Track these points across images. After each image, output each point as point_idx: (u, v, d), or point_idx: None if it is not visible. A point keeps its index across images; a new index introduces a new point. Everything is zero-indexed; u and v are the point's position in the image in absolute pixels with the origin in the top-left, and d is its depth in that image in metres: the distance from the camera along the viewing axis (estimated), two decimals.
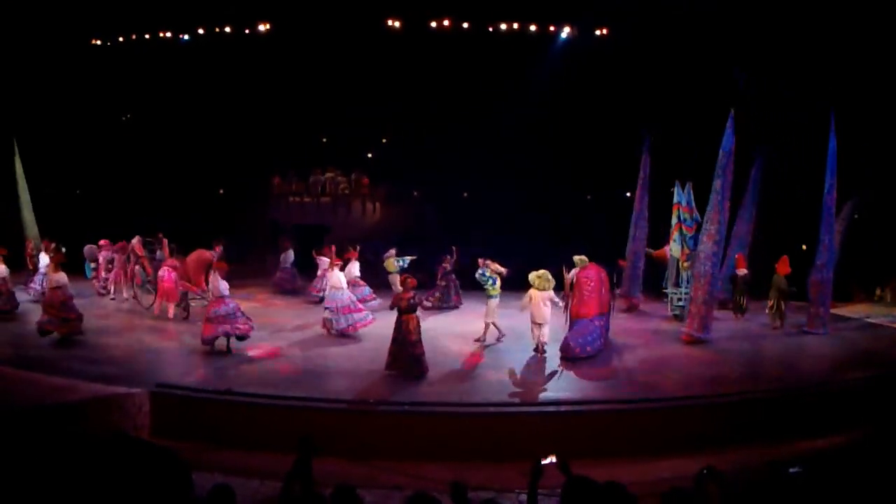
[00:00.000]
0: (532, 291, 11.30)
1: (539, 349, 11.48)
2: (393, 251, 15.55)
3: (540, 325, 11.33)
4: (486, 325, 12.27)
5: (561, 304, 11.77)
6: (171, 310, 13.92)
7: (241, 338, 11.41)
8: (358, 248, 15.46)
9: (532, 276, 11.39)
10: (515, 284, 12.45)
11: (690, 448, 8.04)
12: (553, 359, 11.31)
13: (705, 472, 3.95)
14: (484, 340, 12.21)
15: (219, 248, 16.65)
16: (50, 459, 2.26)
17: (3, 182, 18.68)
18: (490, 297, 12.31)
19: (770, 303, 14.02)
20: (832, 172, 13.22)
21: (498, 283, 12.34)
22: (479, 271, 12.45)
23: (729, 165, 12.38)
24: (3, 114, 18.15)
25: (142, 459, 2.17)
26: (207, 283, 12.47)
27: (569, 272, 12.02)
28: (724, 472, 4.01)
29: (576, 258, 12.45)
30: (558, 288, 11.93)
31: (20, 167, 18.28)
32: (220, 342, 11.30)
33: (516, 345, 12.28)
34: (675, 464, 7.80)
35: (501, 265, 12.61)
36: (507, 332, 12.52)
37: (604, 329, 11.87)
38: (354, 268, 14.67)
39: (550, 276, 11.37)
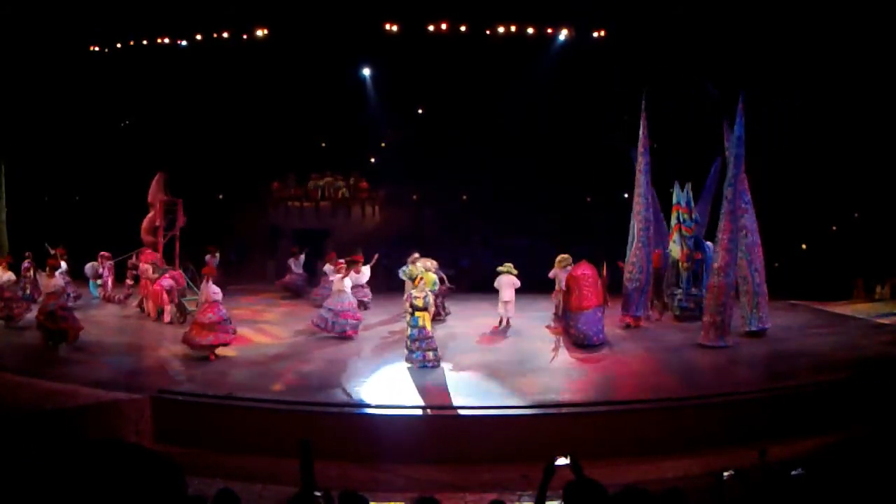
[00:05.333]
0: (501, 277, 13.50)
1: (502, 322, 13.59)
2: (416, 255, 15.21)
3: (506, 302, 13.47)
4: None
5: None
6: (167, 314, 13.97)
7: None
8: (360, 251, 15.47)
9: (500, 268, 13.70)
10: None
11: (691, 448, 8.05)
12: (552, 360, 11.37)
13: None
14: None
15: (213, 257, 16.90)
16: (41, 464, 2.26)
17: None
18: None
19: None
20: (738, 162, 12.07)
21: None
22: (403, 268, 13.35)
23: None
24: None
25: (131, 463, 2.17)
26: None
27: (606, 270, 13.23)
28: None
29: (558, 258, 13.84)
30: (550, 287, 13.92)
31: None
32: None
33: (516, 348, 12.34)
34: (677, 464, 7.82)
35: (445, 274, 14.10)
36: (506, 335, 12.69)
37: (603, 320, 12.55)
38: (362, 274, 14.62)
39: (510, 267, 13.63)
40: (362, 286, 14.58)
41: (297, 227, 21.96)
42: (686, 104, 16.75)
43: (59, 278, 12.46)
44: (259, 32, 19.29)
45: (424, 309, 10.81)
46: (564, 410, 8.93)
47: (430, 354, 10.71)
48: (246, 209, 22.17)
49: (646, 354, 11.79)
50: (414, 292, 11.02)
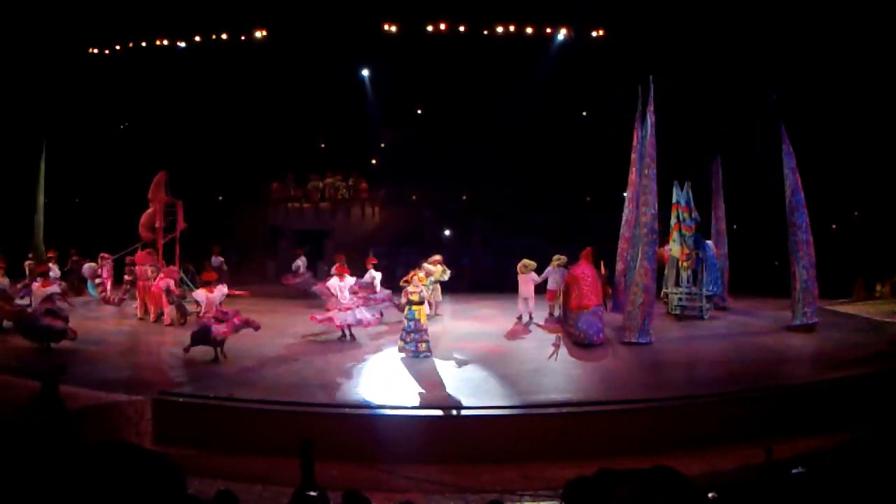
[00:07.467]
0: (519, 276, 14.19)
1: (524, 318, 14.19)
2: (438, 257, 14.85)
3: (525, 299, 14.15)
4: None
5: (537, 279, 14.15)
6: (167, 315, 13.93)
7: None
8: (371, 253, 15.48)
9: (518, 266, 14.32)
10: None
11: (691, 448, 8.05)
12: (552, 360, 11.39)
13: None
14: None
15: (215, 258, 16.91)
16: (41, 466, 2.26)
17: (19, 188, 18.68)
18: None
19: None
20: (646, 159, 11.77)
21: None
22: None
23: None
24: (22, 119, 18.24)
25: (132, 464, 2.17)
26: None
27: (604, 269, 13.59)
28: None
29: (554, 259, 14.24)
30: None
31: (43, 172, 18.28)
32: (207, 350, 11.19)
33: (516, 347, 12.36)
34: (677, 464, 7.79)
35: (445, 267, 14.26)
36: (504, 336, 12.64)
37: (603, 320, 12.60)
38: (372, 276, 14.53)
39: (527, 262, 14.22)
40: (372, 287, 14.48)
41: (297, 227, 21.97)
42: (685, 103, 16.76)
43: (51, 283, 12.39)
44: (258, 34, 19.32)
45: (420, 303, 11.53)
46: (564, 410, 8.93)
47: (423, 346, 11.34)
48: (246, 209, 22.19)
49: (645, 354, 11.79)
50: (410, 287, 11.67)
